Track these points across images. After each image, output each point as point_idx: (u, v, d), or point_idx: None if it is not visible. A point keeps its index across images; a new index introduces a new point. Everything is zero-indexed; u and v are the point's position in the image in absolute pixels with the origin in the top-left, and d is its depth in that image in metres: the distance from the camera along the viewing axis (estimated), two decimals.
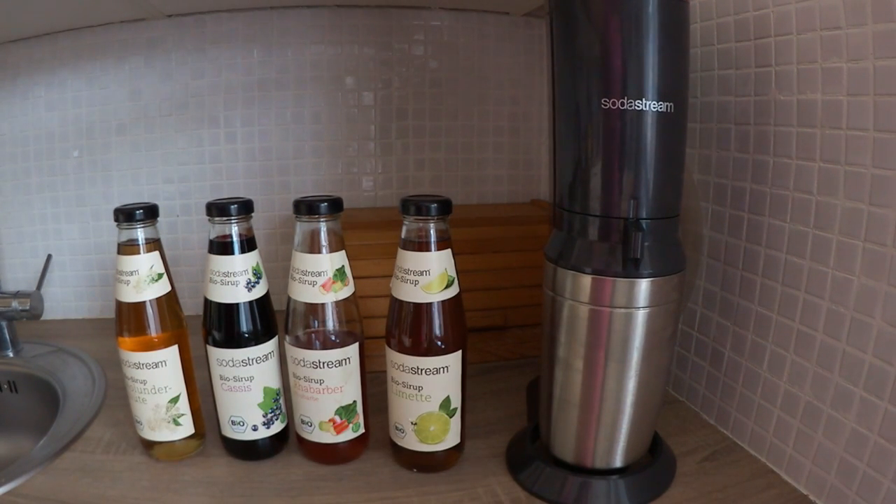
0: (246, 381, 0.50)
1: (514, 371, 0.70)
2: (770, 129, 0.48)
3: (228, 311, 0.49)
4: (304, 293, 0.48)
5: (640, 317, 0.42)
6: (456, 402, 0.49)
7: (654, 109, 0.39)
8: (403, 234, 0.47)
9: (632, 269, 0.41)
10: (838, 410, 0.44)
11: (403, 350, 0.47)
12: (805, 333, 0.46)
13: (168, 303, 0.50)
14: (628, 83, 0.39)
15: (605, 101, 0.39)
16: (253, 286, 0.49)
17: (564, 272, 0.43)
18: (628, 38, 0.39)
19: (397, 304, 0.48)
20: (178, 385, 0.51)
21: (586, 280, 0.42)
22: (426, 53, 0.85)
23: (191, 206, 0.86)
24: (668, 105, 0.39)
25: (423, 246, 0.46)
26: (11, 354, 0.72)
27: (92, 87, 0.81)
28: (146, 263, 0.48)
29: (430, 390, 0.48)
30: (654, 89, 0.39)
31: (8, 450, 0.69)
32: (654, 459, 0.49)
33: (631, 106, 0.39)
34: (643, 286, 0.41)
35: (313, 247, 0.47)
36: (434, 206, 0.45)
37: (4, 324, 0.72)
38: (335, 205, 0.47)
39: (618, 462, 0.46)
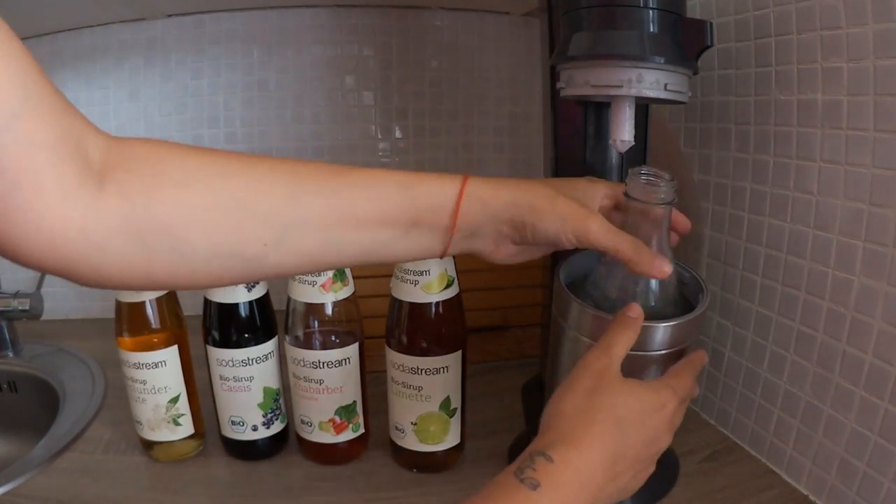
0: (246, 381, 0.50)
1: (514, 371, 0.69)
2: (770, 128, 0.48)
3: (228, 311, 0.49)
4: (304, 293, 0.48)
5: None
6: (456, 402, 0.49)
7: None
8: None
9: None
10: (838, 410, 0.44)
11: (403, 350, 0.47)
12: (805, 333, 0.46)
13: (168, 303, 0.50)
14: None
15: None
16: (253, 286, 0.49)
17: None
18: None
19: (397, 304, 0.48)
20: (177, 385, 0.51)
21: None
22: (426, 53, 0.85)
23: None
24: None
25: None
26: (11, 354, 0.72)
27: (91, 88, 0.81)
28: None
29: (430, 390, 0.48)
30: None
31: (8, 450, 0.69)
32: None
33: None
34: None
35: None
36: None
37: (4, 324, 0.72)
38: None
39: None
